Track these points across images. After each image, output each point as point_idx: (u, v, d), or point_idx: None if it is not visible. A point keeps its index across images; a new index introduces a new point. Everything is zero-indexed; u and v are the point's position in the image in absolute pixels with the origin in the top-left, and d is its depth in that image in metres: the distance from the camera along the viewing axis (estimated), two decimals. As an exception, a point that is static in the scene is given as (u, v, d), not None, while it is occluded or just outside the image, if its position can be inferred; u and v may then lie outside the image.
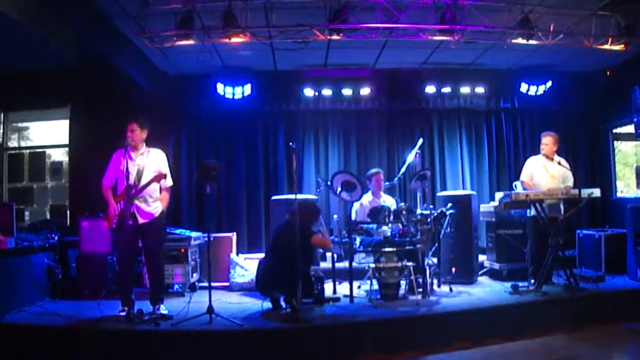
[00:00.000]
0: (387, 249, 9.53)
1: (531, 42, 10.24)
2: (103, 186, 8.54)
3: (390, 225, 10.08)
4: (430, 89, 13.68)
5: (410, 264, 9.41)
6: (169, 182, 8.84)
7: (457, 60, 12.84)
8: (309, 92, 13.47)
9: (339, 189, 10.31)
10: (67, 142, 13.20)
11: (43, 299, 9.36)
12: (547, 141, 10.35)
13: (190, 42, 9.78)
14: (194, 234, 10.89)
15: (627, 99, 11.72)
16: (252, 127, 13.72)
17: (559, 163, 10.24)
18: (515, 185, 10.55)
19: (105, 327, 7.85)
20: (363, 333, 8.08)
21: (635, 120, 11.44)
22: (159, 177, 8.43)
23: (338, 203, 11.18)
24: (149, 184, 8.36)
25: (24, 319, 8.26)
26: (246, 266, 11.09)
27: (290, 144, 8.85)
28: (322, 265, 11.62)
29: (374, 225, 10.16)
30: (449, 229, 10.51)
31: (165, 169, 8.74)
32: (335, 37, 9.89)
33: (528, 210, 10.39)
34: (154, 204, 8.58)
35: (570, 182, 10.29)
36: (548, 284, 9.89)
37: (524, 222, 10.85)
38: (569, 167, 10.34)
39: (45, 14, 8.97)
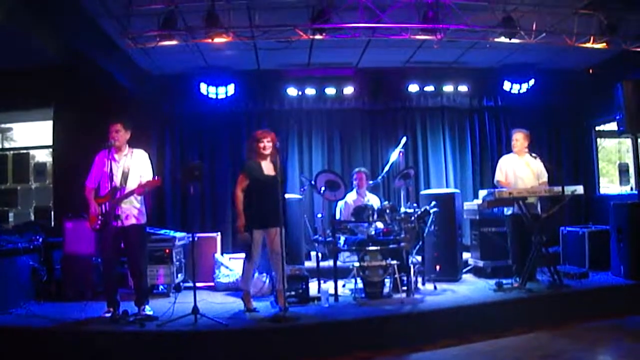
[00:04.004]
0: (371, 248, 9.56)
1: (514, 40, 10.31)
2: (86, 188, 8.50)
3: (374, 224, 10.12)
4: (413, 88, 13.73)
5: (394, 262, 9.44)
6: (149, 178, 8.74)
7: (440, 59, 12.88)
8: (292, 91, 13.48)
9: (323, 188, 10.31)
10: (51, 143, 13.14)
11: (28, 300, 9.31)
12: (518, 137, 10.44)
13: (173, 42, 9.78)
14: (178, 235, 10.88)
15: (609, 96, 11.72)
16: (235, 127, 13.71)
17: (536, 158, 10.32)
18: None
19: (90, 328, 7.83)
20: (348, 331, 8.10)
21: (617, 117, 11.46)
22: (141, 189, 8.40)
23: (322, 202, 11.18)
24: (133, 192, 8.34)
25: (8, 321, 8.22)
26: (231, 266, 11.10)
27: (276, 144, 8.83)
28: (307, 264, 11.64)
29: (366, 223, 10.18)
30: (432, 227, 10.53)
31: (148, 171, 8.70)
32: (318, 36, 9.92)
33: (505, 209, 10.46)
34: (139, 206, 8.58)
35: (545, 178, 10.39)
36: (532, 281, 9.94)
37: (507, 220, 10.92)
38: (542, 163, 10.42)
39: (28, 14, 8.93)
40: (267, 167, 8.76)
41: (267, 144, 8.79)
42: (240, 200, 8.82)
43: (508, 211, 10.36)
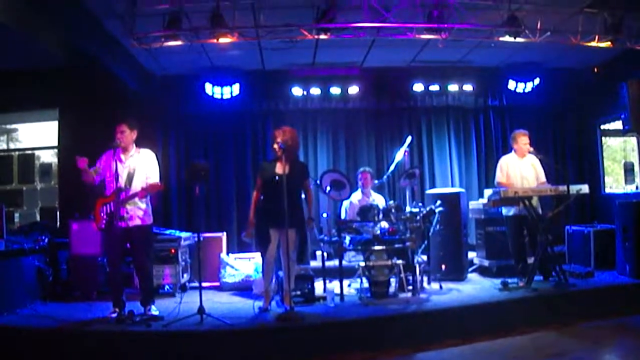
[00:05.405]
0: (376, 247, 9.55)
1: (518, 39, 10.30)
2: None
3: (380, 223, 10.10)
4: (418, 87, 13.73)
5: (400, 261, 9.44)
6: (155, 180, 8.70)
7: (444, 58, 12.87)
8: (297, 91, 13.49)
9: (328, 187, 10.32)
10: (56, 143, 13.15)
11: (34, 301, 9.34)
12: (526, 140, 10.40)
13: (178, 42, 9.77)
14: (184, 235, 10.90)
15: (614, 95, 11.76)
16: (240, 127, 13.72)
17: (539, 159, 10.38)
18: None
19: (96, 329, 7.84)
20: (354, 331, 8.12)
21: (622, 116, 11.49)
22: (144, 192, 8.38)
23: (327, 202, 11.21)
24: (136, 194, 8.34)
25: (15, 321, 8.24)
26: (236, 266, 11.12)
27: (280, 143, 8.81)
28: (312, 264, 11.63)
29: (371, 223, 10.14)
30: (438, 226, 10.48)
31: (155, 172, 8.69)
32: (323, 36, 9.92)
33: (505, 210, 10.47)
34: (144, 207, 8.57)
35: (544, 178, 10.45)
36: (547, 278, 10.02)
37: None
38: (540, 163, 10.47)
39: (33, 15, 8.94)
40: (280, 167, 8.73)
41: (274, 145, 8.81)
42: (254, 200, 9.07)
43: (509, 212, 10.36)
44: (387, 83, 13.81)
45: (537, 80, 13.46)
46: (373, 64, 13.25)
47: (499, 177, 10.50)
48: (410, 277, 9.60)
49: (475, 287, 10.35)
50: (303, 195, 9.18)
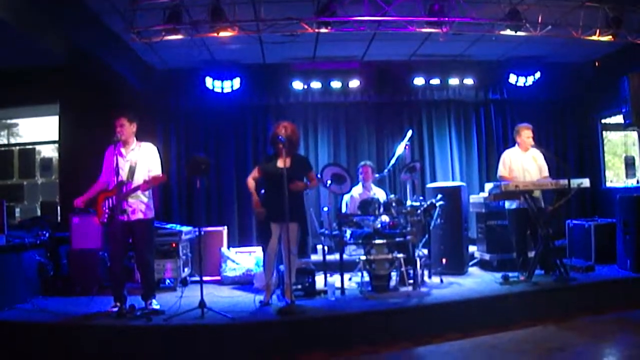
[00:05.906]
0: (377, 241, 9.55)
1: (519, 33, 10.27)
2: (97, 182, 8.59)
3: (380, 217, 10.08)
4: (419, 81, 13.68)
5: (400, 255, 9.44)
6: (158, 172, 8.68)
7: (445, 52, 12.86)
8: (298, 85, 13.45)
9: (329, 181, 10.30)
10: (57, 138, 13.15)
11: (35, 296, 9.33)
12: (530, 133, 10.40)
13: (179, 36, 9.78)
14: (184, 229, 10.88)
15: (615, 89, 11.75)
16: (241, 120, 13.71)
17: (542, 152, 10.40)
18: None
19: (97, 323, 7.84)
20: (354, 325, 8.11)
21: (623, 110, 11.47)
22: (146, 185, 8.36)
23: (328, 195, 11.20)
24: (138, 188, 8.31)
25: (16, 316, 8.25)
26: (237, 260, 11.13)
27: (279, 137, 8.80)
28: (313, 257, 11.64)
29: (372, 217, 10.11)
30: (439, 220, 10.50)
31: (157, 164, 8.66)
32: (323, 30, 9.90)
33: (507, 203, 10.46)
34: (147, 200, 8.56)
35: (547, 172, 10.45)
36: (549, 272, 9.99)
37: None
38: (543, 157, 10.47)
39: (33, 11, 8.93)
40: (281, 161, 8.69)
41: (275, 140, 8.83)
42: (251, 186, 9.06)
43: (511, 205, 10.35)
44: (388, 77, 13.75)
45: (537, 74, 13.46)
46: (374, 57, 13.25)
47: (502, 170, 10.49)
48: (411, 271, 9.61)
49: (476, 281, 10.35)
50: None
